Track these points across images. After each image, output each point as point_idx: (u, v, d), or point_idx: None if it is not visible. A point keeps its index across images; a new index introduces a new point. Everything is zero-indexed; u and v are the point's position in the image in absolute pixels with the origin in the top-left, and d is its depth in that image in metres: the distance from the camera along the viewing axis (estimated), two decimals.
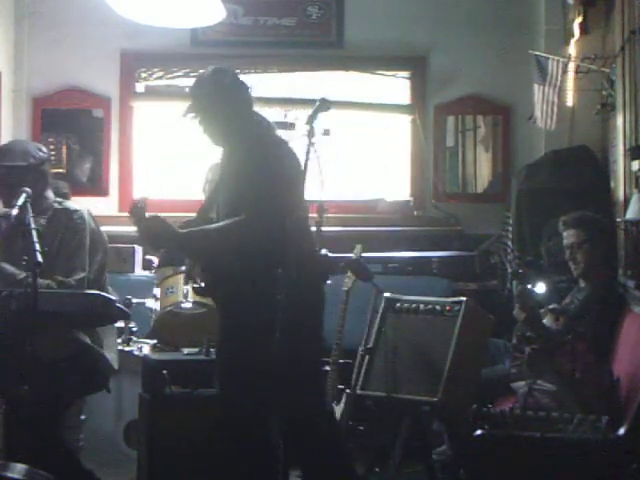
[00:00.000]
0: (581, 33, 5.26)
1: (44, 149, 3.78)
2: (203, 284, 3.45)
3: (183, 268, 4.34)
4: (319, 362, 3.55)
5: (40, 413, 3.29)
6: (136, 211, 3.30)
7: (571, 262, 4.22)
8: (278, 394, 3.18)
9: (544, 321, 3.99)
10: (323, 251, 3.45)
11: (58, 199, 3.79)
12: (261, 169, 3.27)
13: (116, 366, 3.79)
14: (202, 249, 3.36)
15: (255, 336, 3.17)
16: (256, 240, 3.18)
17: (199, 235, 3.31)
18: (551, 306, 4.04)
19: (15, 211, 3.25)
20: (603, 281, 4.15)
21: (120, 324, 4.23)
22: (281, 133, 3.58)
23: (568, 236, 4.23)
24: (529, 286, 4.01)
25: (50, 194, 3.77)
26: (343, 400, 4.29)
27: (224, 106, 3.39)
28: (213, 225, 3.37)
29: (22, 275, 3.48)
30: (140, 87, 5.92)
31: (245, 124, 3.42)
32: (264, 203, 3.19)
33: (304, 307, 3.20)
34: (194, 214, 5.01)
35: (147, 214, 3.29)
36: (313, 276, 3.34)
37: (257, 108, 3.51)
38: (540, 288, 4.11)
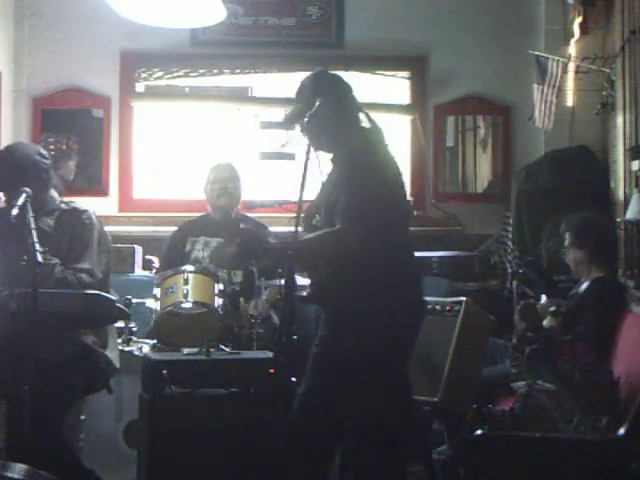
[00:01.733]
0: (581, 33, 5.27)
1: (45, 153, 3.78)
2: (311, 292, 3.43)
3: (183, 268, 4.36)
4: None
5: (42, 412, 3.29)
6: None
7: (571, 264, 4.24)
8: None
9: (544, 322, 4.00)
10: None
11: (65, 200, 3.80)
12: (369, 179, 3.20)
13: (117, 365, 3.81)
14: (300, 259, 3.27)
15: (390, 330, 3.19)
16: (354, 250, 3.13)
17: (293, 246, 3.21)
18: (551, 308, 4.04)
19: (15, 211, 3.25)
20: (600, 279, 4.15)
21: (120, 324, 4.24)
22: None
23: (566, 238, 4.26)
24: (532, 300, 4.04)
25: (55, 194, 3.78)
26: None
27: (331, 110, 3.29)
28: (307, 236, 3.29)
29: (54, 261, 3.53)
30: (140, 87, 5.92)
31: (349, 129, 3.34)
32: (361, 213, 3.12)
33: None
34: (194, 214, 5.06)
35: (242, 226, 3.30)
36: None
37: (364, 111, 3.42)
38: (543, 300, 4.15)
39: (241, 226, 3.28)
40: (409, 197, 5.78)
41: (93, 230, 3.73)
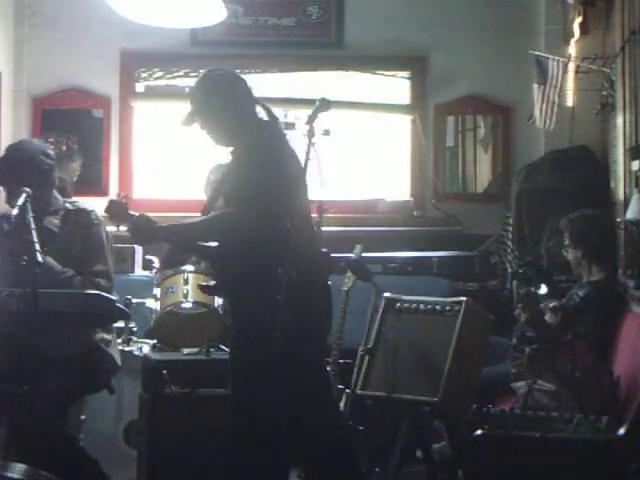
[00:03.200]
0: (581, 33, 5.26)
1: (50, 153, 3.78)
2: (213, 283, 3.49)
3: (183, 268, 4.36)
4: (322, 365, 3.56)
5: (45, 411, 3.30)
6: (115, 209, 3.33)
7: (572, 262, 4.24)
8: (284, 396, 3.21)
9: (545, 318, 4.01)
10: (323, 250, 3.46)
11: (69, 199, 3.82)
12: (259, 168, 3.27)
13: (120, 363, 3.83)
14: (187, 239, 3.48)
15: (257, 336, 3.19)
16: (246, 237, 3.20)
17: (183, 227, 3.41)
18: (551, 304, 4.04)
19: (15, 211, 3.25)
20: (601, 279, 4.15)
21: (120, 324, 4.24)
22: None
23: (564, 237, 4.26)
24: (532, 289, 4.02)
25: (57, 194, 3.79)
26: (343, 400, 4.29)
27: (222, 106, 3.38)
28: (200, 217, 3.42)
29: (69, 273, 3.57)
30: (140, 87, 5.92)
31: (245, 123, 3.41)
32: (257, 201, 3.20)
33: (307, 308, 3.21)
34: (194, 214, 5.05)
35: (131, 212, 3.32)
36: (317, 276, 3.34)
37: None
38: (542, 289, 4.12)
39: (131, 213, 3.32)
40: (409, 197, 5.80)
41: (103, 229, 3.77)
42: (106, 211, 3.36)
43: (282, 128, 3.52)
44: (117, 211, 3.33)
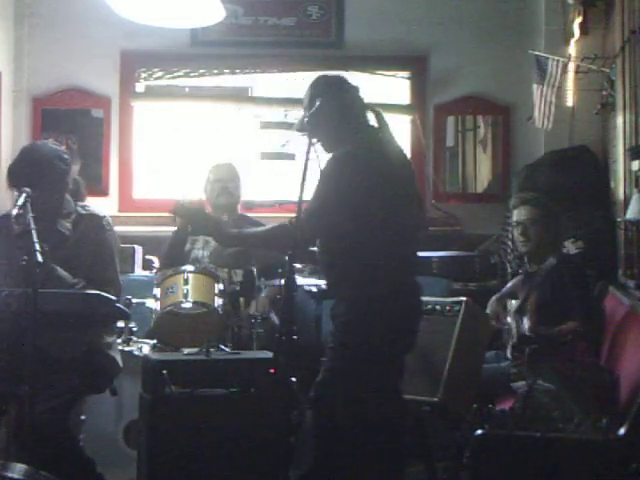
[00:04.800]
0: (581, 33, 5.27)
1: (66, 155, 3.76)
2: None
3: (183, 268, 4.36)
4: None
5: (46, 413, 3.30)
6: (189, 213, 3.50)
7: (522, 238, 4.30)
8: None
9: (509, 321, 4.07)
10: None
11: (80, 203, 3.80)
12: (329, 179, 3.29)
13: (121, 364, 3.84)
14: (250, 247, 3.76)
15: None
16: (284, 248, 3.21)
17: (248, 235, 3.55)
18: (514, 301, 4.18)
19: (15, 211, 3.25)
20: (552, 261, 4.19)
21: (120, 324, 4.24)
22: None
23: (523, 212, 4.32)
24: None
25: (70, 197, 3.78)
26: None
27: (328, 112, 3.34)
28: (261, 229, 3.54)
29: (80, 284, 3.57)
30: (140, 87, 5.92)
31: (351, 127, 3.39)
32: (308, 217, 3.20)
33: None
34: None
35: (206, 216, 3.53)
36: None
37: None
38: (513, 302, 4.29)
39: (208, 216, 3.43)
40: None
41: (114, 236, 3.79)
42: (178, 213, 3.49)
43: (390, 133, 3.50)
44: (193, 215, 3.49)
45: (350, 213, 3.28)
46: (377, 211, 3.31)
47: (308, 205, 3.25)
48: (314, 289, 4.12)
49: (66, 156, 3.73)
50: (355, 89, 3.47)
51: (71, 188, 3.78)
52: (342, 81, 3.50)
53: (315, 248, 3.47)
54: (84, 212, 3.76)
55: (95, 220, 3.75)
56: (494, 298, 4.36)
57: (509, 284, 4.47)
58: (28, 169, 3.59)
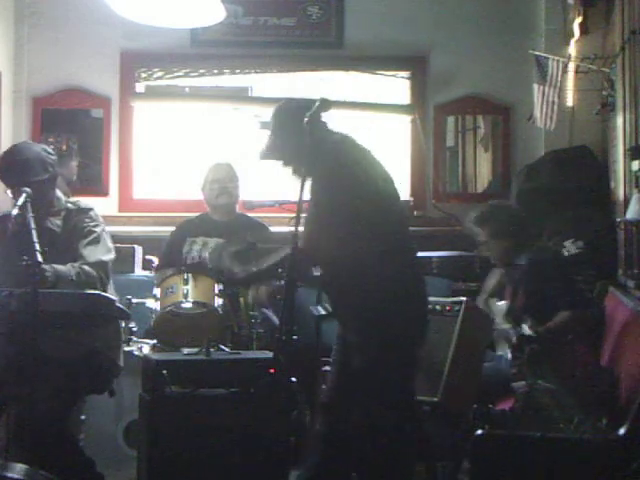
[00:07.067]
0: (581, 33, 5.26)
1: (51, 151, 3.81)
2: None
3: (183, 268, 4.36)
4: None
5: (46, 412, 3.30)
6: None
7: (489, 253, 4.36)
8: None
9: (497, 321, 4.08)
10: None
11: (71, 199, 3.85)
12: (322, 198, 3.32)
13: (122, 364, 3.85)
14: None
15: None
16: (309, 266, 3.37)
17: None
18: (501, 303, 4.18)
19: (15, 211, 3.25)
20: (533, 251, 4.22)
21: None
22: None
23: (479, 232, 4.35)
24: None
25: (60, 194, 3.81)
26: None
27: (286, 136, 3.42)
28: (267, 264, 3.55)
29: (73, 273, 3.62)
30: (140, 87, 5.91)
31: (320, 140, 3.37)
32: (308, 234, 3.26)
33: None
34: (194, 214, 5.06)
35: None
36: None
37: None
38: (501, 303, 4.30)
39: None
40: (409, 197, 5.80)
41: (100, 225, 3.84)
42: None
43: (355, 142, 3.49)
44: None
45: (349, 216, 3.29)
46: (376, 211, 3.31)
47: (305, 227, 3.27)
48: (315, 312, 4.10)
49: (52, 152, 3.77)
50: (313, 106, 3.34)
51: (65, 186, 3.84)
52: (298, 103, 3.54)
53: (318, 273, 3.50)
54: (73, 207, 3.84)
55: (83, 212, 3.82)
56: (481, 299, 4.37)
57: (490, 281, 4.47)
58: (16, 166, 3.62)
